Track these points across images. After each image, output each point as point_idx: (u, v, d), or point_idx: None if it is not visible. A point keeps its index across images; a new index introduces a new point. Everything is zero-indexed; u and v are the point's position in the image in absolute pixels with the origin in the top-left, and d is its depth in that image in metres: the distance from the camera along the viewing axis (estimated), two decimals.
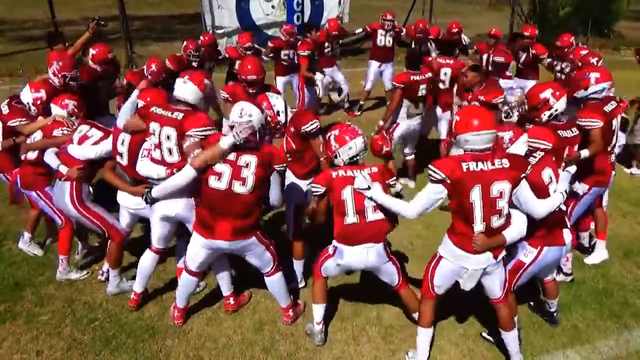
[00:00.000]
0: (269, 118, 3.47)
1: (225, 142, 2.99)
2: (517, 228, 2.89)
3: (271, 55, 7.04)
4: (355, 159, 3.16)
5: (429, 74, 5.39)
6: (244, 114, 3.02)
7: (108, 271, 3.85)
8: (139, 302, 3.68)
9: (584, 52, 5.43)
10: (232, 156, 3.00)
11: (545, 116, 3.44)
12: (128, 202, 3.59)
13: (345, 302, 3.83)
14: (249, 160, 3.00)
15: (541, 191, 2.96)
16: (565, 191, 3.07)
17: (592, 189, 3.97)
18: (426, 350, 3.20)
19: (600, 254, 4.36)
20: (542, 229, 3.03)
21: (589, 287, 4.03)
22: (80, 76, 4.44)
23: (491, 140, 2.78)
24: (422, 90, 5.27)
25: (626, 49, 14.00)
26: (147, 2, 17.99)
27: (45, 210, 4.00)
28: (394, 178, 3.28)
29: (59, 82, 4.12)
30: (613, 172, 4.10)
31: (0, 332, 3.48)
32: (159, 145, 3.30)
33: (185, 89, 3.33)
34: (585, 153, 3.69)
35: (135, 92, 3.79)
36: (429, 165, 2.80)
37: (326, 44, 7.58)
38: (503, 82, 6.43)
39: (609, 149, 3.98)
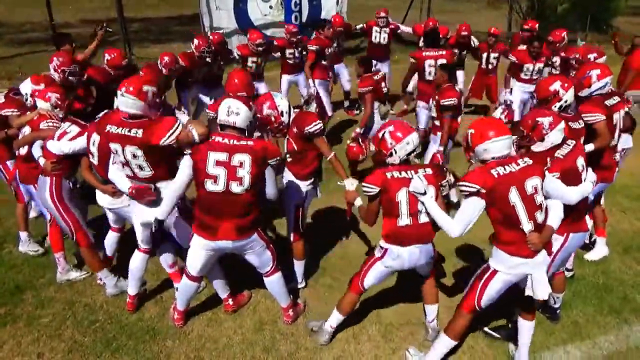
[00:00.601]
0: (272, 118, 3.47)
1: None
2: (556, 214, 2.86)
3: (278, 53, 7.09)
4: (411, 155, 3.07)
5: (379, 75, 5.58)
6: (231, 112, 3.02)
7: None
8: (136, 305, 3.69)
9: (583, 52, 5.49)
10: (224, 157, 2.96)
11: (555, 108, 3.46)
12: (103, 200, 3.59)
13: None
14: (243, 159, 2.97)
15: (576, 177, 2.99)
16: (593, 182, 3.08)
17: (598, 184, 3.96)
18: (440, 358, 3.16)
19: (600, 251, 4.36)
20: (568, 216, 3.01)
21: (589, 283, 4.04)
22: (96, 77, 4.75)
23: (510, 146, 2.79)
24: (384, 89, 5.52)
25: (625, 44, 13.97)
26: (146, 3, 17.97)
27: (36, 204, 4.08)
28: (446, 180, 3.23)
29: (59, 77, 4.29)
30: (617, 169, 4.09)
31: (1, 335, 3.49)
32: (127, 164, 3.18)
33: (123, 102, 3.12)
34: (590, 147, 3.67)
35: None
36: (459, 182, 2.79)
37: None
38: (521, 86, 6.49)
39: (612, 144, 3.96)
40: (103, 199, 3.59)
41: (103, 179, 3.52)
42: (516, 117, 5.18)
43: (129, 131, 3.09)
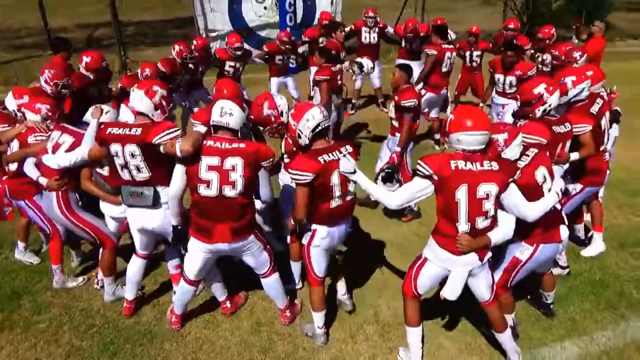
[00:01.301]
0: (272, 118, 3.46)
1: (200, 128, 3.00)
2: (502, 230, 2.82)
3: (266, 57, 7.09)
4: (317, 130, 3.01)
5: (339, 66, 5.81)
6: (224, 113, 3.00)
7: (103, 279, 3.85)
8: (133, 310, 3.68)
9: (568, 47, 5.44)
10: (216, 161, 2.95)
11: (539, 111, 3.43)
12: (111, 210, 3.59)
13: (343, 302, 3.82)
14: (235, 162, 2.96)
15: (536, 192, 2.92)
16: (561, 190, 3.03)
17: (586, 189, 3.97)
18: (419, 350, 3.17)
19: (597, 247, 4.36)
20: (538, 227, 3.00)
21: (585, 278, 4.04)
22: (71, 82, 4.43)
23: (484, 142, 2.75)
24: (339, 80, 5.79)
25: (620, 40, 14.02)
26: (140, 7, 17.96)
27: (34, 220, 3.97)
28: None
29: (52, 90, 4.09)
30: (608, 171, 4.08)
31: None
32: (125, 166, 3.17)
33: (132, 96, 3.21)
34: (575, 156, 3.67)
35: (94, 122, 3.53)
36: (418, 160, 2.80)
37: (321, 39, 7.59)
38: (494, 98, 6.22)
39: (601, 149, 3.95)
40: (112, 209, 3.57)
41: (115, 189, 3.43)
42: None
43: (130, 130, 3.14)
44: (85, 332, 3.55)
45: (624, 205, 5.25)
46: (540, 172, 2.98)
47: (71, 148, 3.50)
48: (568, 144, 3.62)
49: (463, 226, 2.75)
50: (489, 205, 2.73)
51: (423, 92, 6.47)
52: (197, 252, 3.17)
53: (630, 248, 4.47)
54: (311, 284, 3.34)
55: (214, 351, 3.38)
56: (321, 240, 3.16)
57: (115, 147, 3.15)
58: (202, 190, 2.98)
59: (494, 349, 3.34)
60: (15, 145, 3.76)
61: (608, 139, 4.03)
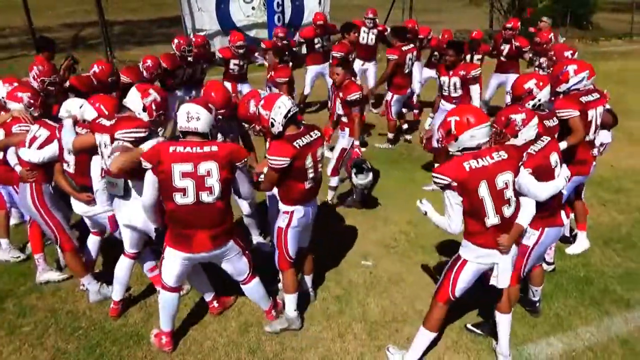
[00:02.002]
0: (258, 115, 3.45)
1: (147, 145, 2.99)
2: (528, 211, 2.91)
3: (264, 55, 7.08)
4: (289, 115, 3.12)
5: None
6: (190, 117, 2.91)
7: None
8: (120, 311, 3.65)
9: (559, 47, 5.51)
10: (189, 167, 2.84)
11: (529, 106, 3.49)
12: (78, 208, 3.59)
13: (330, 301, 3.84)
14: (209, 167, 2.87)
15: (549, 173, 3.04)
16: (567, 177, 3.13)
17: (572, 177, 4.01)
18: (421, 352, 3.18)
19: (581, 244, 4.42)
20: (542, 211, 3.07)
21: (570, 275, 4.10)
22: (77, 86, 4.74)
23: (489, 135, 2.83)
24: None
25: (604, 39, 14.22)
26: (127, 7, 17.84)
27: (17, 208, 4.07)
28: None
29: (39, 86, 4.21)
30: (594, 163, 4.14)
31: None
32: (102, 155, 3.22)
33: (130, 93, 3.24)
34: (563, 145, 3.73)
35: (70, 120, 3.48)
36: (432, 173, 2.81)
37: (316, 40, 7.60)
38: (446, 106, 5.70)
39: (587, 138, 4.01)
40: (78, 206, 3.57)
41: (81, 187, 3.50)
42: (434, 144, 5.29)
43: (110, 122, 3.21)
44: (71, 335, 3.51)
45: (608, 202, 5.32)
46: (554, 157, 3.11)
47: (45, 142, 3.54)
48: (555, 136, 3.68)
49: (494, 220, 2.79)
50: (509, 193, 2.81)
51: (390, 94, 6.62)
52: (174, 261, 3.09)
53: (614, 245, 4.53)
54: (284, 269, 3.42)
55: (201, 352, 3.36)
56: (299, 220, 3.30)
57: (99, 138, 3.24)
58: (179, 199, 2.87)
59: (480, 346, 3.37)
60: (1, 134, 3.79)
61: (596, 132, 4.05)
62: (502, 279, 2.94)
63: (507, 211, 2.82)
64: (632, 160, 6.35)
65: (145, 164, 2.87)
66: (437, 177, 2.76)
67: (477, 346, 3.39)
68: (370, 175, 4.72)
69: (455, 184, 2.72)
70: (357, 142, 4.86)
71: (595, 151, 4.12)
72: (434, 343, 3.25)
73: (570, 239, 4.49)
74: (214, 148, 2.91)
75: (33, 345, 3.42)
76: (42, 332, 3.53)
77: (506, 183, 2.78)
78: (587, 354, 3.34)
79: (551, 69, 4.90)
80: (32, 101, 3.76)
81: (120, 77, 5.37)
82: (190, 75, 6.51)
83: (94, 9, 11.20)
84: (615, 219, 5.01)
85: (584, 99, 3.87)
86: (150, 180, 2.92)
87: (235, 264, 3.24)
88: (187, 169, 2.84)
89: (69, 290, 3.97)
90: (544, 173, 3.00)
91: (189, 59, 6.29)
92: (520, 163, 2.88)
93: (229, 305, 3.75)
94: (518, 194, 2.90)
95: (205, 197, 2.89)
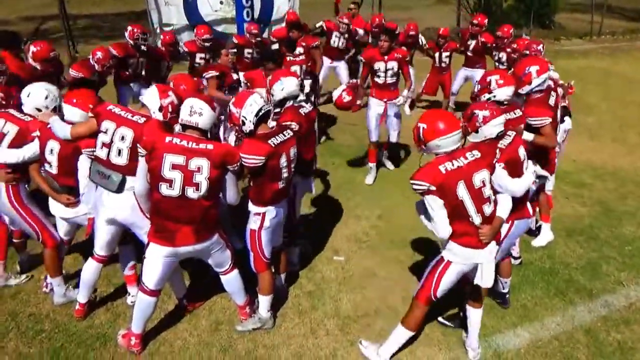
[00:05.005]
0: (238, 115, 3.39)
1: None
2: (505, 206, 2.95)
3: (234, 50, 6.92)
4: (260, 113, 3.10)
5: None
6: (193, 112, 2.91)
7: (52, 282, 3.67)
8: (85, 312, 3.54)
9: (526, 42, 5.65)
10: (181, 160, 2.84)
11: (484, 98, 3.52)
12: (57, 210, 3.46)
13: (303, 297, 3.83)
14: (201, 163, 2.84)
15: (519, 167, 3.10)
16: (534, 171, 3.19)
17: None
18: (397, 348, 3.21)
19: (545, 236, 4.54)
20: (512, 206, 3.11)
21: (536, 267, 4.21)
22: (20, 74, 4.32)
23: (460, 140, 2.84)
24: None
25: (566, 39, 14.66)
26: (90, 0, 17.30)
27: None
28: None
29: None
30: (556, 161, 4.24)
31: None
32: (108, 145, 3.10)
33: (149, 90, 3.21)
34: (529, 137, 3.64)
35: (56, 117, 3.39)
36: (410, 180, 2.78)
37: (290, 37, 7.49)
38: (376, 102, 5.52)
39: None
40: (58, 209, 3.44)
41: (64, 188, 3.35)
42: (373, 138, 5.42)
43: (132, 116, 3.12)
44: (33, 338, 3.38)
45: (570, 195, 5.49)
46: (521, 151, 3.16)
47: (16, 138, 3.39)
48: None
49: (476, 219, 2.81)
50: (488, 191, 2.84)
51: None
52: (157, 258, 3.01)
53: (577, 237, 4.68)
54: (260, 270, 3.37)
55: (171, 352, 3.29)
56: (271, 220, 3.25)
57: (107, 125, 3.10)
58: (164, 190, 2.85)
59: (451, 340, 3.43)
60: None
61: (558, 132, 4.17)
62: (486, 278, 2.97)
63: (487, 209, 2.86)
64: (592, 154, 6.58)
65: (141, 150, 2.89)
66: (415, 184, 2.76)
67: (447, 339, 3.44)
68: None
69: (433, 188, 2.73)
70: None
71: (557, 148, 4.20)
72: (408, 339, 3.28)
73: (535, 232, 4.61)
74: (210, 146, 2.90)
75: None
76: (2, 337, 3.39)
77: (483, 181, 2.81)
78: (553, 343, 3.43)
79: (510, 63, 5.05)
80: (3, 102, 3.61)
81: (70, 72, 5.16)
82: (144, 62, 6.24)
83: (53, 2, 10.80)
84: (578, 211, 5.18)
85: (551, 101, 3.91)
86: (142, 167, 2.93)
87: (219, 256, 3.22)
88: (178, 161, 2.83)
89: (31, 293, 3.82)
90: (514, 166, 3.05)
91: (142, 47, 6.01)
92: (494, 160, 2.91)
93: (199, 304, 3.68)
94: (495, 191, 2.94)
95: (191, 193, 2.86)
